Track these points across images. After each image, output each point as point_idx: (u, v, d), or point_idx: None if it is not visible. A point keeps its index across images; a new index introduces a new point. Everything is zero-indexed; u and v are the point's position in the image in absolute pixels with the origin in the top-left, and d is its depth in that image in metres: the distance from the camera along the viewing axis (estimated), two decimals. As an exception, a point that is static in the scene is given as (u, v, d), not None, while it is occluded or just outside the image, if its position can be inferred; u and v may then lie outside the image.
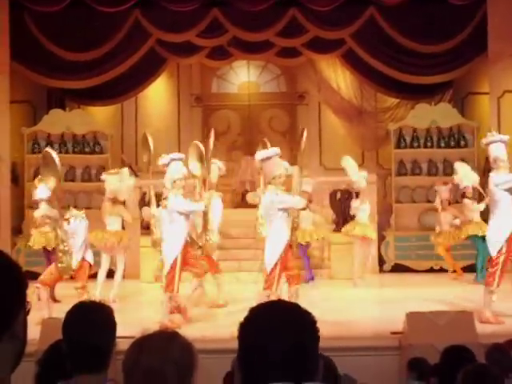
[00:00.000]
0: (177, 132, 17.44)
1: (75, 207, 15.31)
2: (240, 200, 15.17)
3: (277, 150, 9.66)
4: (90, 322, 2.83)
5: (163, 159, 10.15)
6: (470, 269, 14.48)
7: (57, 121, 15.51)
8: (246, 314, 1.98)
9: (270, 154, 9.58)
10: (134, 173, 16.35)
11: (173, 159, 10.12)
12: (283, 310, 1.96)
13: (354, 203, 13.16)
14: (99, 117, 16.75)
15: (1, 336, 1.54)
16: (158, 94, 17.47)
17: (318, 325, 1.96)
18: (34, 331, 6.54)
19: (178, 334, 2.32)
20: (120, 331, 2.93)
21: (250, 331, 1.92)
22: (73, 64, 14.94)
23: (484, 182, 15.08)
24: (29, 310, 1.61)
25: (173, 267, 9.53)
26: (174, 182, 9.81)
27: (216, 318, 10.03)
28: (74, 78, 15.13)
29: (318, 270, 14.14)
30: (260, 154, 9.75)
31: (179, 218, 9.57)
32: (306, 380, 1.88)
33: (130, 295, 12.32)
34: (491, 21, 14.45)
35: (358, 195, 13.16)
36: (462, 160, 15.53)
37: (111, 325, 2.86)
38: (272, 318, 1.93)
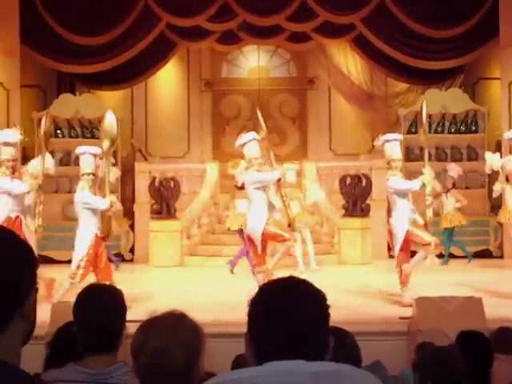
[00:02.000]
0: (186, 116, 17.44)
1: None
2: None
3: (254, 134, 10.17)
4: (101, 303, 2.85)
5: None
6: (479, 255, 14.50)
7: (67, 105, 15.52)
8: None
9: (247, 139, 10.05)
10: (144, 157, 16.41)
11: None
12: (294, 286, 1.96)
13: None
14: (109, 101, 16.73)
15: (13, 314, 1.55)
16: (167, 79, 17.45)
17: (330, 309, 1.96)
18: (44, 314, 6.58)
19: (186, 316, 2.32)
20: (129, 315, 2.95)
21: (260, 307, 1.92)
22: (83, 48, 14.95)
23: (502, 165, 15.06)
24: (37, 290, 1.62)
25: None
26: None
27: (227, 302, 10.04)
28: (84, 63, 15.13)
29: (328, 255, 14.16)
30: (238, 140, 10.24)
31: None
32: (316, 357, 1.88)
33: (140, 279, 12.37)
34: (503, 6, 14.37)
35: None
36: (471, 146, 15.54)
37: (121, 307, 2.88)
38: (283, 293, 1.93)
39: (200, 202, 14.91)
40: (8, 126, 14.42)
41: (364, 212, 14.30)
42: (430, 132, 15.57)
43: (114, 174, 13.48)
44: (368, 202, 14.39)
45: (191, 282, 12.27)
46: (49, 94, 16.12)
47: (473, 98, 15.72)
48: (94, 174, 9.80)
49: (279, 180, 9.96)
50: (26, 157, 15.03)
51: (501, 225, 14.59)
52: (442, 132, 15.68)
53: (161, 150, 16.46)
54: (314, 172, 15.36)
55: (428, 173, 9.91)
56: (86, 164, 9.79)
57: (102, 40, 14.86)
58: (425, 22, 14.73)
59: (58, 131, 15.69)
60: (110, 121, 10.09)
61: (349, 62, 16.69)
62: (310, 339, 1.88)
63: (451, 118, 15.64)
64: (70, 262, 14.25)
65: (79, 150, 10.06)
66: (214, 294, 10.68)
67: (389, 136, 10.44)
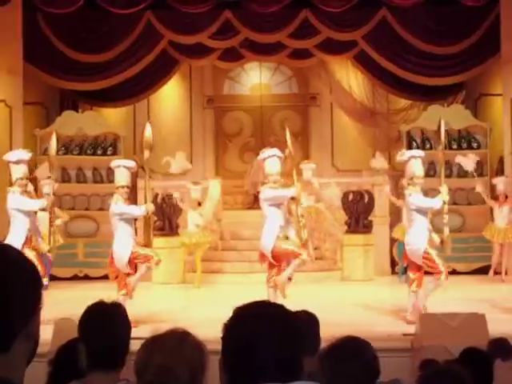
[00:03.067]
0: (189, 133, 17.48)
1: (87, 209, 15.46)
2: (252, 201, 15.17)
3: (276, 150, 10.17)
4: (107, 321, 2.86)
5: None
6: (481, 271, 14.49)
7: (69, 122, 15.54)
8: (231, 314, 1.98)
9: (268, 154, 10.08)
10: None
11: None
12: (267, 311, 1.94)
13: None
14: (112, 118, 16.79)
15: (17, 334, 1.55)
16: (170, 96, 17.51)
17: (331, 326, 1.96)
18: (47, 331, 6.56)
19: (190, 334, 2.32)
20: (133, 332, 2.94)
21: (235, 332, 1.91)
22: (85, 66, 14.99)
23: (493, 184, 15.10)
24: (41, 309, 1.62)
25: None
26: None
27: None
28: (86, 80, 15.18)
29: (330, 271, 14.14)
30: (261, 154, 10.31)
31: None
32: (292, 379, 1.86)
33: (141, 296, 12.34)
34: (504, 22, 14.41)
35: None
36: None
37: (126, 324, 2.89)
38: (256, 318, 1.91)
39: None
40: (11, 144, 14.49)
41: (367, 228, 14.29)
42: (431, 148, 15.62)
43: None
44: (371, 218, 14.37)
45: (193, 298, 12.24)
46: (51, 111, 16.16)
47: (475, 114, 15.74)
48: (128, 187, 9.92)
49: (293, 198, 9.95)
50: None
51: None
52: (444, 148, 15.64)
53: (163, 167, 16.47)
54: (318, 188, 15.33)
55: (445, 190, 9.88)
56: (121, 177, 9.92)
57: (104, 57, 14.91)
58: (426, 38, 14.77)
59: (61, 148, 15.70)
60: (149, 132, 10.24)
61: (351, 78, 16.74)
62: (282, 365, 1.86)
63: (453, 134, 15.64)
64: (72, 279, 14.30)
65: (114, 163, 10.27)
66: (217, 310, 10.65)
67: (414, 152, 10.47)
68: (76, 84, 15.34)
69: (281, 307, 1.96)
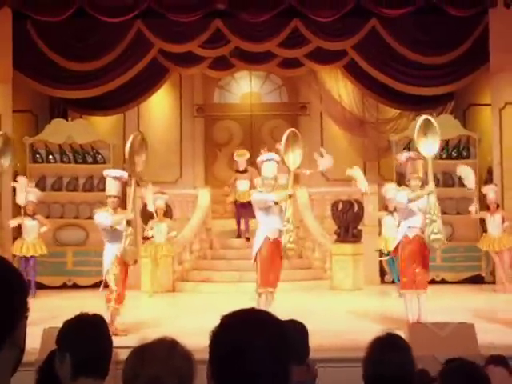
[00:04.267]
0: (179, 142, 17.48)
1: (76, 218, 15.42)
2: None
3: (273, 155, 10.25)
4: (90, 330, 2.88)
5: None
6: (471, 280, 14.52)
7: (59, 130, 15.52)
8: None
9: (266, 158, 10.16)
10: (136, 183, 16.37)
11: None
12: (254, 319, 1.93)
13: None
14: (101, 127, 16.77)
15: (2, 344, 1.54)
16: (160, 104, 17.50)
17: (319, 335, 1.95)
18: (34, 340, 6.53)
19: (178, 343, 2.30)
20: (120, 341, 2.95)
21: (222, 339, 1.90)
22: (75, 74, 14.98)
23: (482, 194, 15.14)
24: (27, 317, 1.61)
25: None
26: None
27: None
28: (76, 88, 15.16)
29: (319, 280, 14.13)
30: (260, 157, 10.47)
31: None
32: None
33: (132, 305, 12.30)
34: (492, 32, 14.49)
35: None
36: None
37: (108, 333, 2.92)
38: (243, 326, 1.91)
39: (192, 228, 14.89)
40: None
41: (356, 238, 14.30)
42: (420, 158, 15.62)
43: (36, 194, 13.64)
44: (360, 227, 14.38)
45: (183, 307, 12.22)
46: (41, 119, 16.13)
47: (464, 124, 15.80)
48: (116, 197, 9.85)
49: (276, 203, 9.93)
50: (15, 182, 15.01)
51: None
52: (434, 158, 15.67)
53: (153, 176, 16.43)
54: (306, 197, 15.36)
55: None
56: (109, 186, 9.89)
57: (94, 66, 14.90)
58: (416, 48, 14.83)
59: (50, 156, 15.68)
60: (129, 143, 10.11)
61: (340, 87, 16.78)
62: (269, 375, 1.86)
63: (443, 144, 15.65)
64: (61, 287, 14.25)
65: (104, 172, 10.20)
66: (205, 319, 10.63)
67: (412, 154, 10.50)
68: (66, 92, 15.32)
69: (268, 315, 1.95)
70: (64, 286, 14.68)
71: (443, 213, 14.90)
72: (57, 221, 15.44)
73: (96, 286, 14.37)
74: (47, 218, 15.43)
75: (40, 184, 15.56)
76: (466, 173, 13.51)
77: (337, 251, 14.12)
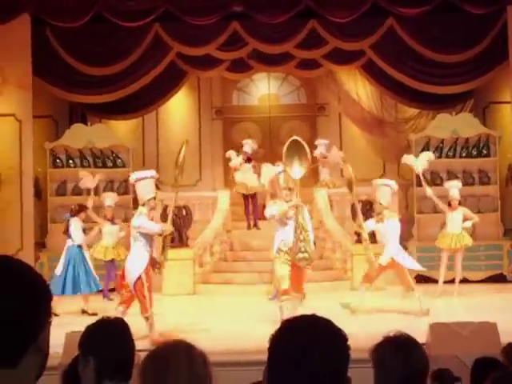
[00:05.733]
0: (198, 145, 17.50)
1: (95, 222, 15.47)
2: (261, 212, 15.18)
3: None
4: (114, 334, 2.90)
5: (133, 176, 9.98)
6: (493, 279, 14.43)
7: (79, 135, 15.60)
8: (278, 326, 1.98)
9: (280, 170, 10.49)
10: (156, 186, 16.42)
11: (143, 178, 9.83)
12: (315, 326, 1.95)
13: None
14: (121, 131, 16.84)
15: (27, 348, 1.55)
16: (178, 107, 17.55)
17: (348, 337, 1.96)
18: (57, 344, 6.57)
19: (195, 347, 2.31)
20: (140, 344, 2.97)
21: (280, 343, 1.92)
22: (94, 78, 15.05)
23: (505, 192, 15.05)
24: (51, 323, 1.63)
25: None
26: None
27: (239, 331, 10.02)
28: (95, 93, 15.23)
29: (340, 281, 14.11)
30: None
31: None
32: None
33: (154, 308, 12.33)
34: (511, 29, 14.40)
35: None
36: (483, 170, 15.46)
37: (131, 337, 2.94)
38: (303, 332, 1.92)
39: (212, 230, 14.91)
40: (21, 157, 14.56)
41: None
42: (441, 156, 15.59)
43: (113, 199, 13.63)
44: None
45: (204, 310, 12.24)
46: (61, 124, 16.23)
47: (483, 122, 15.71)
48: (155, 198, 9.76)
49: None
50: (36, 186, 15.12)
51: None
52: (454, 156, 15.65)
53: (173, 179, 16.47)
54: (326, 198, 15.35)
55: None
56: (149, 188, 9.70)
57: (113, 70, 14.96)
58: (434, 47, 14.77)
59: (70, 161, 15.76)
60: (183, 153, 10.21)
61: (359, 87, 16.75)
62: (329, 381, 1.87)
63: (462, 142, 15.61)
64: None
65: (137, 175, 9.92)
66: (227, 322, 10.66)
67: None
68: (85, 97, 15.39)
69: (328, 322, 1.97)
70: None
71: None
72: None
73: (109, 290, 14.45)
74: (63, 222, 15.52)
75: (60, 189, 15.66)
76: (410, 161, 13.44)
77: (357, 252, 14.07)
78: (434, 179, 15.56)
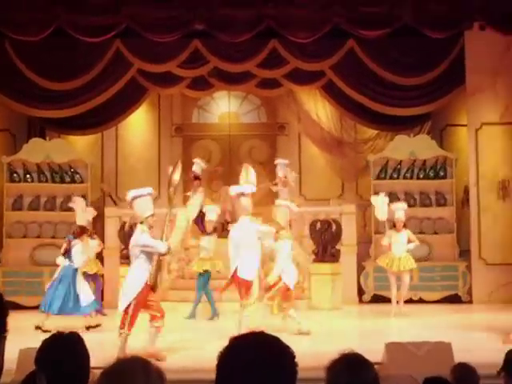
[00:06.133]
0: (157, 161, 17.45)
1: (53, 237, 15.33)
2: (220, 230, 15.15)
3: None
4: (66, 350, 2.87)
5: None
6: (448, 299, 14.58)
7: (37, 150, 15.48)
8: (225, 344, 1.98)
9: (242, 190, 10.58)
10: (114, 202, 16.35)
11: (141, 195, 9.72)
12: (263, 343, 1.95)
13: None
14: (79, 146, 16.74)
15: None
16: (138, 124, 17.50)
17: (297, 356, 1.96)
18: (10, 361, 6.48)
19: (150, 362, 2.29)
20: (94, 362, 2.94)
21: (228, 361, 1.92)
22: (54, 93, 14.96)
23: (461, 214, 15.25)
24: (5, 338, 1.61)
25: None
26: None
27: (198, 347, 9.97)
28: (55, 108, 15.13)
29: (298, 300, 14.12)
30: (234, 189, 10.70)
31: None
32: None
33: (109, 324, 12.23)
34: (468, 54, 14.68)
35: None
36: (439, 191, 15.67)
37: (85, 353, 2.90)
38: (251, 349, 1.92)
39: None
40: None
41: (334, 257, 14.33)
42: (398, 178, 15.77)
43: (91, 213, 13.51)
44: (338, 247, 14.42)
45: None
46: (18, 138, 16.08)
47: (440, 145, 15.92)
48: (153, 215, 9.58)
49: None
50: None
51: (469, 270, 14.74)
52: (411, 178, 15.83)
53: (166, 197, 16.38)
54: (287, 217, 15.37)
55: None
56: (148, 205, 9.59)
57: (73, 85, 14.88)
58: (393, 69, 14.96)
59: (28, 176, 15.61)
60: (177, 173, 10.17)
61: (319, 108, 16.87)
62: None
63: (420, 163, 15.80)
64: (37, 307, 14.08)
65: (134, 193, 9.73)
66: (184, 339, 10.60)
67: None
68: (44, 111, 15.28)
69: (275, 339, 1.97)
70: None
71: (420, 232, 15.09)
72: (34, 240, 15.36)
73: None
74: (24, 237, 15.37)
75: (17, 203, 15.50)
76: (379, 203, 13.57)
77: (315, 271, 14.13)
78: (392, 200, 15.68)
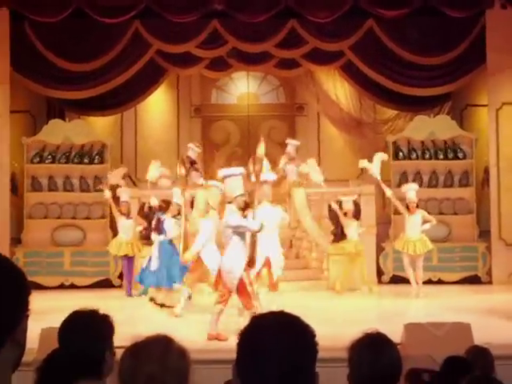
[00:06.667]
0: (176, 142, 17.46)
1: (73, 218, 15.43)
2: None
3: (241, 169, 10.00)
4: (83, 329, 2.86)
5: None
6: (467, 280, 14.53)
7: (56, 131, 15.52)
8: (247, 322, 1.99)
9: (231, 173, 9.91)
10: (133, 183, 16.40)
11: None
12: (284, 322, 1.95)
13: None
14: (99, 127, 16.77)
15: (4, 341, 1.56)
16: (157, 105, 17.51)
17: (317, 336, 1.97)
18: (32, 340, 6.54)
19: (173, 340, 2.31)
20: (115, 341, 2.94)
21: (249, 341, 1.92)
22: (73, 74, 14.99)
23: (481, 195, 15.17)
24: (28, 316, 1.63)
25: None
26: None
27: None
28: (73, 89, 15.17)
29: (317, 281, 14.15)
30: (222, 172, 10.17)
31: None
32: None
33: (129, 305, 12.32)
34: (489, 33, 14.53)
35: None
36: (459, 172, 15.58)
37: (104, 332, 2.88)
38: (272, 328, 1.93)
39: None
40: (-3, 152, 14.47)
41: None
42: (417, 158, 15.69)
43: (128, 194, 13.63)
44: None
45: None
46: (38, 119, 16.13)
47: (461, 125, 15.82)
48: (244, 195, 9.51)
49: None
50: (13, 182, 15.04)
51: (489, 251, 14.69)
52: (431, 158, 15.74)
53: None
54: (304, 197, 15.35)
55: None
56: (237, 185, 9.52)
57: (92, 66, 14.90)
58: (413, 49, 14.85)
59: (48, 157, 15.67)
60: (262, 148, 10.30)
61: (338, 88, 16.80)
62: (296, 377, 1.88)
63: (440, 144, 15.72)
64: (59, 287, 14.22)
65: (226, 172, 9.79)
66: (202, 319, 10.65)
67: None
68: (63, 93, 15.32)
69: (296, 318, 1.97)
70: (61, 287, 14.68)
71: (440, 213, 15.03)
72: (54, 221, 15.45)
73: (94, 286, 14.50)
74: (44, 218, 15.46)
75: (37, 184, 15.58)
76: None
77: (334, 251, 14.12)
78: (414, 180, 15.63)
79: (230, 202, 9.58)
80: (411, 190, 13.25)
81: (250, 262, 9.34)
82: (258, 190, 10.34)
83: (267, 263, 10.73)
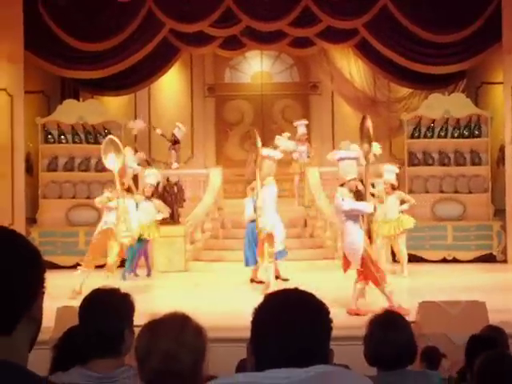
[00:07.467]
0: (190, 122, 17.46)
1: (88, 198, 15.48)
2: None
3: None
4: (103, 308, 2.87)
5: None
6: (482, 259, 14.50)
7: (70, 111, 15.54)
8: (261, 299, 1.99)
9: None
10: (148, 163, 16.42)
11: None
12: (298, 299, 1.96)
13: None
14: (113, 107, 16.79)
15: (21, 317, 1.57)
16: (171, 84, 17.49)
17: (331, 314, 1.97)
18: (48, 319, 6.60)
19: (190, 318, 2.32)
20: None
21: (263, 317, 1.93)
22: (86, 54, 14.99)
23: (496, 173, 15.08)
24: (44, 292, 1.64)
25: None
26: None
27: (229, 307, 10.05)
28: (87, 68, 15.18)
29: (331, 260, 14.15)
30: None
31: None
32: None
33: (145, 284, 12.39)
34: (505, 10, 14.40)
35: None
36: (474, 150, 15.50)
37: (124, 310, 2.88)
38: (286, 305, 1.93)
39: (203, 207, 14.93)
40: (12, 132, 14.52)
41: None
42: (432, 137, 15.62)
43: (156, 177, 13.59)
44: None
45: (194, 287, 12.28)
46: (52, 99, 16.15)
47: (476, 103, 15.71)
48: (355, 179, 9.52)
49: None
50: (27, 162, 15.10)
51: (504, 229, 14.64)
52: (445, 137, 15.66)
53: (164, 156, 16.47)
54: (318, 177, 15.36)
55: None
56: (351, 168, 9.55)
57: (105, 46, 14.90)
58: (428, 26, 14.74)
59: (62, 137, 15.71)
60: (368, 125, 10.09)
61: (352, 67, 16.72)
62: (311, 354, 1.88)
63: (454, 122, 15.63)
64: (73, 267, 14.30)
65: (339, 155, 9.84)
66: (217, 298, 10.70)
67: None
68: (77, 72, 15.33)
69: (310, 295, 1.97)
70: (76, 266, 14.73)
71: (454, 191, 14.99)
72: (69, 201, 15.51)
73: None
74: (59, 198, 15.52)
75: (52, 164, 15.63)
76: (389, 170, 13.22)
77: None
78: (426, 159, 15.59)
79: (342, 185, 9.50)
80: (389, 172, 13.02)
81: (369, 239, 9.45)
82: (260, 165, 10.60)
83: (269, 238, 10.81)
